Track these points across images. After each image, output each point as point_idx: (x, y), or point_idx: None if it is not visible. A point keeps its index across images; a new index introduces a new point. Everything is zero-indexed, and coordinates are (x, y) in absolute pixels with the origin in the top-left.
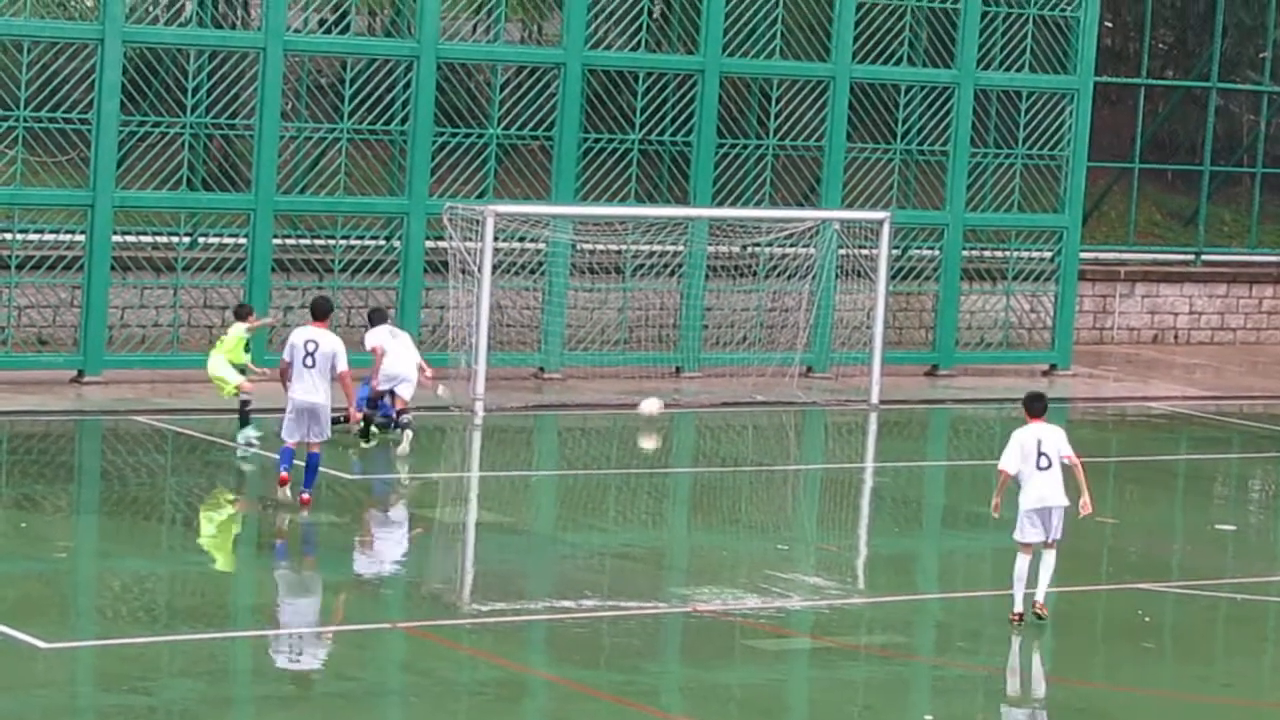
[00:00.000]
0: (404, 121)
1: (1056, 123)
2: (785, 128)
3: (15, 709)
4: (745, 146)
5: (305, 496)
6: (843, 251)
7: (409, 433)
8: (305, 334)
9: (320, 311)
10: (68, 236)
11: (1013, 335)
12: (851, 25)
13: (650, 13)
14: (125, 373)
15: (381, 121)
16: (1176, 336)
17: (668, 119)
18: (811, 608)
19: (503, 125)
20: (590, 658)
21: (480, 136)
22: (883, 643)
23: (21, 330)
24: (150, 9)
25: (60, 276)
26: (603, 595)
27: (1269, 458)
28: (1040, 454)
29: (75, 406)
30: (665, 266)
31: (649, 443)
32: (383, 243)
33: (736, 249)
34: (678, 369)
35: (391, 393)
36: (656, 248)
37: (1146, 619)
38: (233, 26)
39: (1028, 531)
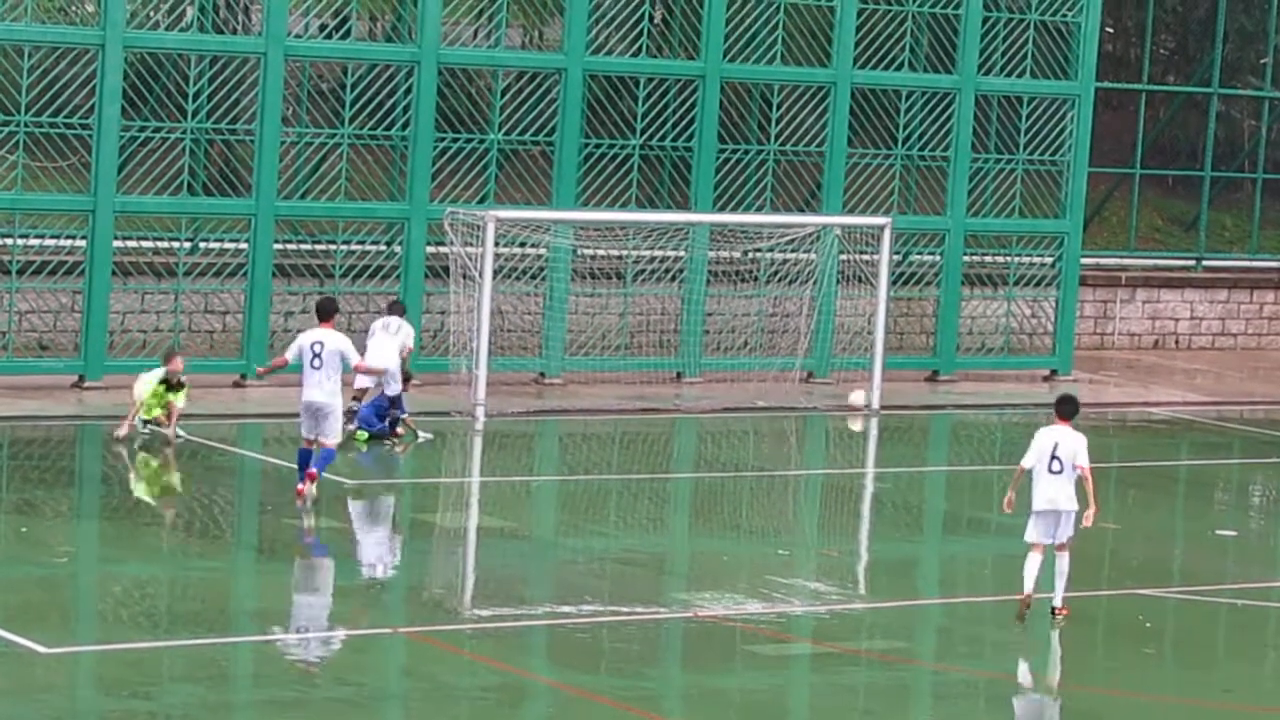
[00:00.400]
0: (405, 127)
1: (1057, 128)
2: (786, 133)
3: (16, 714)
4: (746, 152)
5: (311, 472)
6: (844, 257)
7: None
8: (312, 335)
9: (325, 312)
10: (69, 241)
11: (1014, 341)
12: (853, 31)
13: (651, 18)
14: (126, 378)
15: (382, 127)
16: (1177, 342)
17: (669, 124)
18: (812, 613)
19: (504, 130)
20: (591, 663)
21: (481, 142)
22: (884, 648)
23: (22, 335)
24: (151, 14)
25: (61, 281)
26: (604, 600)
27: (1270, 463)
28: (1053, 457)
29: (76, 411)
30: (666, 272)
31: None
32: (384, 248)
33: (738, 254)
34: (679, 374)
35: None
36: (658, 253)
37: (1147, 624)
38: (234, 32)
39: (1031, 532)
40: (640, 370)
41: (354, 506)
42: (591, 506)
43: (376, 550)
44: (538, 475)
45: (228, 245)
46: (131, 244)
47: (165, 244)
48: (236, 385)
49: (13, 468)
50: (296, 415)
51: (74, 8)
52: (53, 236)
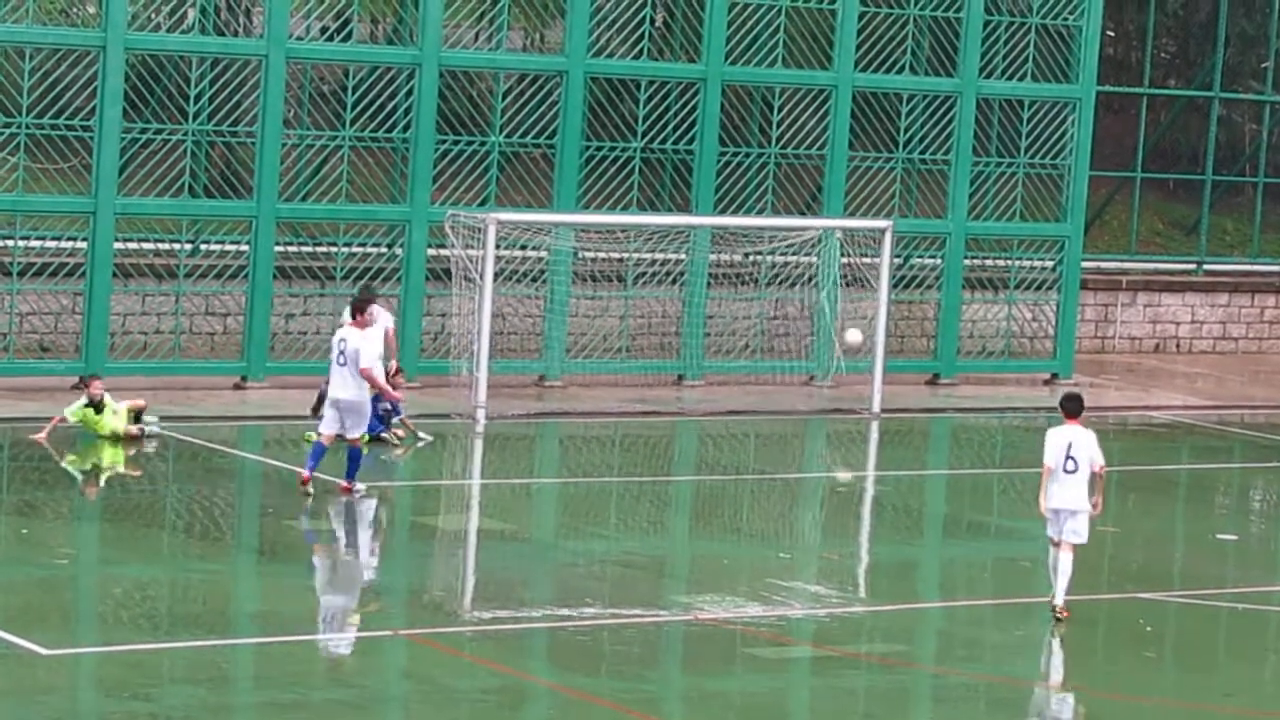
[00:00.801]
0: (406, 129)
1: (1058, 132)
2: (787, 136)
3: (16, 716)
4: (747, 155)
5: (343, 485)
6: (845, 260)
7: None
8: (340, 333)
9: (355, 309)
10: (70, 243)
11: (1014, 344)
12: (854, 34)
13: (652, 21)
14: (127, 379)
15: (383, 129)
16: (1178, 346)
17: (670, 127)
18: (813, 616)
19: (505, 133)
20: (591, 665)
21: (482, 144)
22: (884, 651)
23: (23, 337)
24: (153, 16)
25: (62, 283)
26: (604, 603)
27: (1270, 467)
28: (1069, 457)
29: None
30: (667, 274)
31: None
32: (385, 250)
33: (738, 257)
34: (680, 377)
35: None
36: (659, 256)
37: (1148, 628)
38: (235, 34)
39: (1053, 527)
40: (641, 373)
41: (354, 509)
42: (592, 509)
43: (377, 553)
44: (538, 478)
45: (229, 247)
46: (133, 246)
47: (166, 246)
48: (237, 387)
49: (13, 469)
50: (297, 417)
51: (75, 9)
52: (54, 238)
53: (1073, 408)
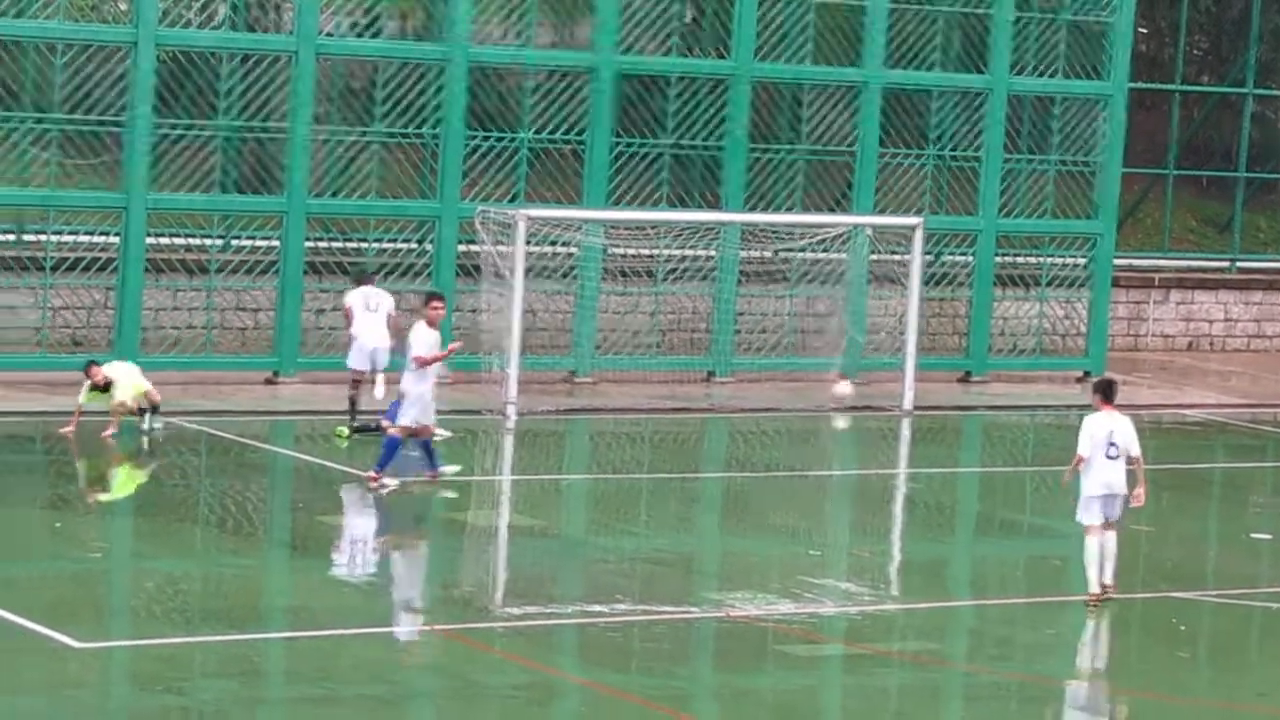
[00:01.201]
0: (435, 125)
1: (1090, 129)
2: (817, 133)
3: (49, 708)
4: (777, 152)
5: (371, 475)
6: (875, 257)
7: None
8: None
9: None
10: (102, 238)
11: (1046, 342)
12: (883, 30)
13: (682, 17)
14: (158, 374)
15: (413, 125)
16: (1211, 344)
17: (699, 124)
18: (844, 613)
19: (534, 129)
20: (622, 662)
21: (512, 140)
22: (916, 649)
23: (56, 331)
24: (183, 12)
25: (94, 278)
26: (634, 599)
27: None
28: (1110, 443)
29: (109, 407)
30: (697, 271)
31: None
32: (415, 246)
33: (768, 254)
34: (710, 374)
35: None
36: (688, 252)
37: (1181, 627)
38: (265, 30)
39: (1091, 514)
40: (671, 369)
41: (385, 504)
42: (622, 506)
43: (407, 548)
44: (569, 474)
45: (259, 242)
46: (164, 241)
47: (197, 241)
48: (268, 382)
49: (46, 463)
50: (328, 412)
51: (106, 6)
52: (86, 233)
53: (1110, 393)
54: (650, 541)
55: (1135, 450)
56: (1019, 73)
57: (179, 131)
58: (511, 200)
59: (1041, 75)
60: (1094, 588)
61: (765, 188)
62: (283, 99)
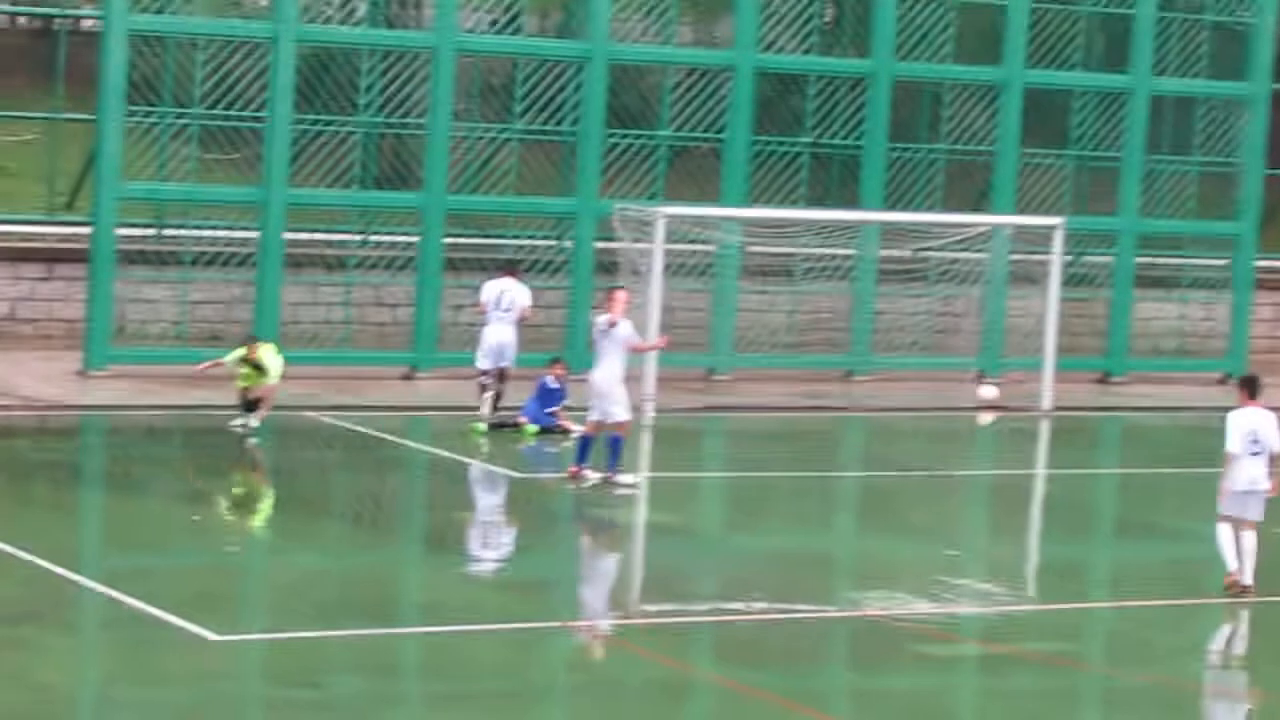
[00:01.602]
0: (575, 123)
1: (1232, 129)
2: (956, 132)
3: (186, 700)
4: (916, 151)
5: (572, 469)
6: (1014, 257)
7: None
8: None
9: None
10: (241, 233)
11: (1187, 343)
12: (1024, 30)
13: (822, 16)
14: (296, 369)
15: (552, 122)
16: None
17: (838, 123)
18: (981, 614)
19: (674, 127)
20: (758, 660)
21: (651, 138)
22: (1053, 651)
23: (195, 325)
24: (323, 9)
25: (233, 273)
26: (771, 597)
27: None
28: (1254, 439)
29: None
30: (836, 270)
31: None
32: (553, 243)
33: (907, 253)
34: (848, 372)
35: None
36: (827, 251)
37: None
38: (405, 26)
39: (1230, 506)
40: (809, 368)
41: (521, 501)
42: (759, 504)
43: (543, 545)
44: (706, 471)
45: (398, 238)
46: (303, 236)
47: (336, 236)
48: (406, 378)
49: (185, 456)
50: (465, 408)
51: (247, 2)
52: (225, 228)
53: (1252, 388)
54: (787, 540)
55: (1277, 445)
56: (1161, 73)
57: (318, 127)
58: (650, 198)
59: (1183, 76)
60: (1231, 565)
61: (904, 187)
62: (422, 96)
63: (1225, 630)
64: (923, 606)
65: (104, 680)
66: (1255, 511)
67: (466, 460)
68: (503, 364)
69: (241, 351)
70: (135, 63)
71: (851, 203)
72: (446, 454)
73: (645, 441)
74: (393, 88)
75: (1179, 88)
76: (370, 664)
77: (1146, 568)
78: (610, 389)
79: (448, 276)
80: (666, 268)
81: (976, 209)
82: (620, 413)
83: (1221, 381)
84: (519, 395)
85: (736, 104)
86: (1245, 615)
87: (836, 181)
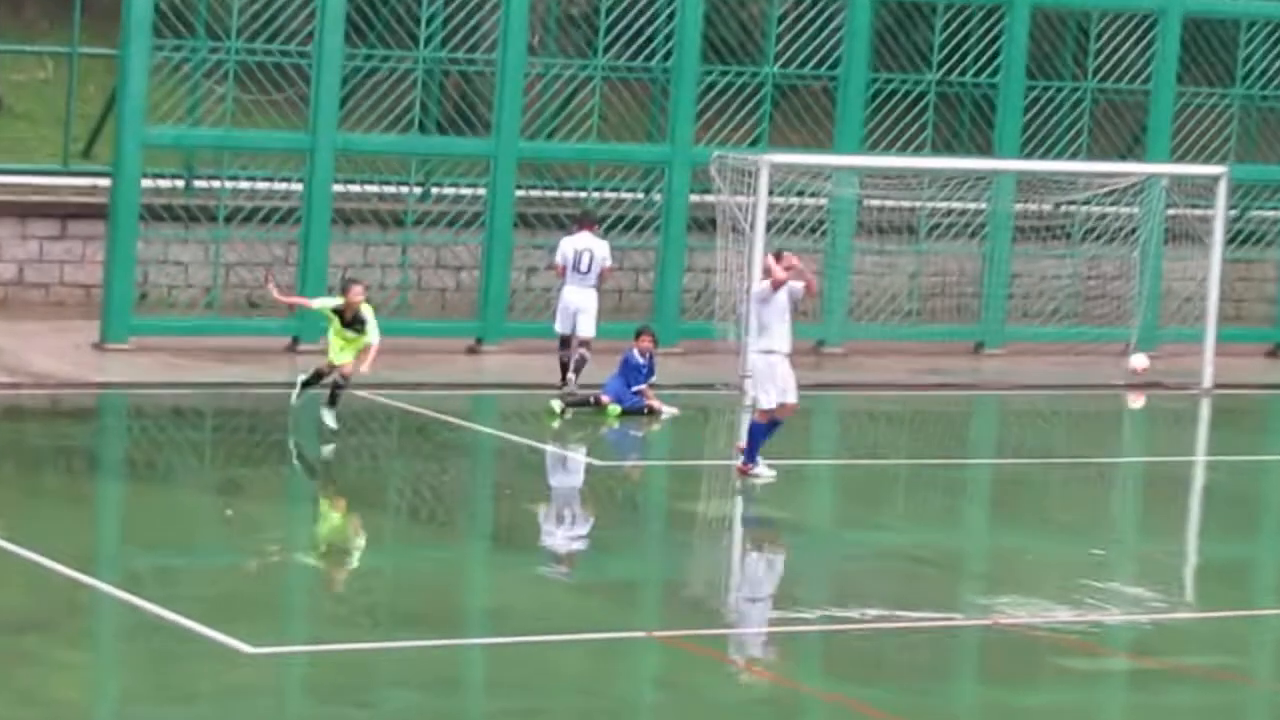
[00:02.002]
0: (666, 58)
1: None
2: (1106, 68)
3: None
4: (1059, 90)
5: (741, 466)
6: (1171, 212)
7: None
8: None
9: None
10: (283, 185)
11: None
12: None
13: None
14: None
15: (641, 58)
16: None
17: (970, 57)
18: (1131, 622)
19: (780, 63)
20: (874, 674)
21: (754, 76)
22: (1215, 664)
23: (230, 291)
24: None
25: (274, 231)
26: (889, 604)
27: None
28: None
29: (290, 379)
30: (965, 226)
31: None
32: (641, 196)
33: (1048, 207)
34: (978, 345)
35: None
36: (955, 205)
37: None
38: None
39: None
40: (934, 340)
41: (603, 492)
42: (876, 495)
43: (628, 542)
44: (814, 459)
45: (463, 191)
46: (354, 189)
47: (392, 189)
48: (471, 351)
49: (217, 441)
50: (539, 386)
51: None
52: (265, 179)
53: None
54: (908, 537)
55: None
56: None
57: (373, 63)
58: (752, 144)
59: None
60: None
61: (1045, 131)
62: (491, 27)
63: None
64: (1063, 614)
65: (123, 698)
66: None
67: (540, 445)
68: (583, 334)
69: (335, 301)
70: None
71: (984, 150)
72: (517, 438)
73: (744, 423)
74: (458, 18)
75: None
76: (428, 679)
77: None
78: (777, 367)
79: (519, 235)
80: (770, 225)
81: (1128, 156)
82: (764, 398)
83: None
84: (602, 372)
85: (852, 35)
86: None
87: (967, 125)
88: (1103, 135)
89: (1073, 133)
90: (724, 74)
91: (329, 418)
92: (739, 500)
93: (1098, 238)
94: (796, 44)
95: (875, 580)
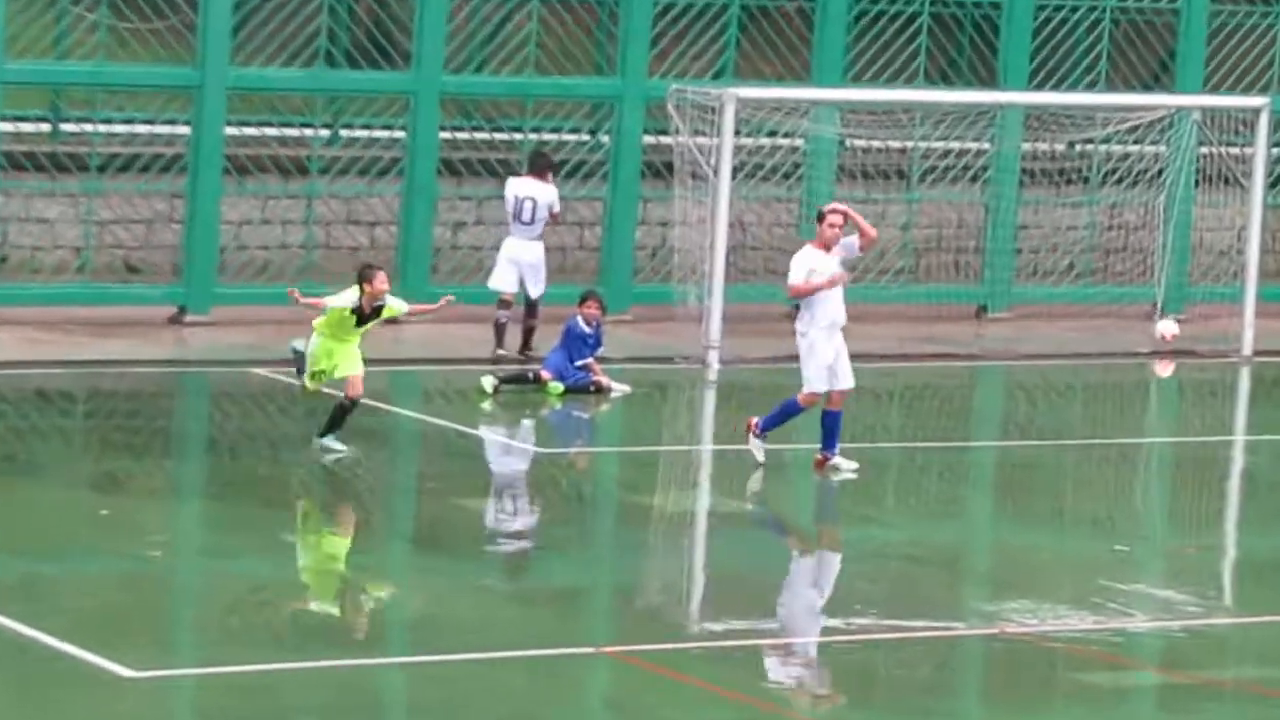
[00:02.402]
0: None
1: None
2: None
3: None
4: (1074, 9)
5: (818, 457)
6: (1204, 151)
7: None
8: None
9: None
10: (166, 129)
11: None
12: None
13: None
14: (238, 309)
15: None
16: None
17: None
18: (1160, 629)
19: None
20: (862, 693)
21: None
22: (1254, 677)
23: (104, 253)
24: None
25: (156, 182)
26: (879, 611)
27: None
28: None
29: (175, 355)
30: (965, 170)
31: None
32: (586, 137)
33: (1061, 147)
34: (981, 308)
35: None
36: (953, 145)
37: None
38: None
39: None
40: (929, 302)
41: (543, 483)
42: (863, 485)
43: (573, 542)
44: (790, 443)
45: (378, 134)
46: (250, 132)
47: (295, 132)
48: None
49: (90, 429)
50: (468, 361)
51: None
52: (145, 122)
53: None
54: (901, 533)
55: None
56: None
57: None
58: (716, 77)
59: None
60: None
61: (1057, 58)
62: None
63: None
64: (1082, 621)
65: None
66: None
67: (469, 430)
68: (530, 293)
69: (353, 294)
70: None
71: (987, 81)
72: (442, 422)
73: (708, 401)
74: None
75: None
76: (340, 704)
77: None
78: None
79: (444, 184)
80: (737, 169)
81: (1154, 87)
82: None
83: None
84: (542, 344)
85: None
86: None
87: (966, 52)
88: (1124, 62)
89: (1090, 59)
90: None
91: (334, 443)
92: (702, 492)
93: (1119, 181)
94: None
95: (864, 583)
